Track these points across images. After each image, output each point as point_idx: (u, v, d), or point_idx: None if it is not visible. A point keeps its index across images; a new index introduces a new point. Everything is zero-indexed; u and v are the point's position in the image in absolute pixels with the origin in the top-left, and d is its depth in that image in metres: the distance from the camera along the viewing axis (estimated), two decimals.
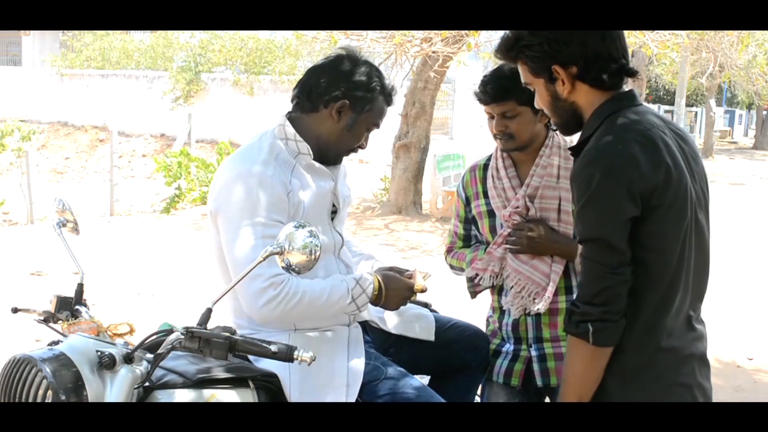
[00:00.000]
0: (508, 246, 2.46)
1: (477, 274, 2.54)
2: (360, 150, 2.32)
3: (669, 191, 1.66)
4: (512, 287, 2.48)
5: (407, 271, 2.35)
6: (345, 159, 2.37)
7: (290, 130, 2.22)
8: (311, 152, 2.22)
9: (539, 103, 1.87)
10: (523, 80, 1.88)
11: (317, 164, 2.23)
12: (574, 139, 1.92)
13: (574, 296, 2.48)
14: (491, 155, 2.62)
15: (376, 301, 2.23)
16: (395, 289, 2.25)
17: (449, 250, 2.72)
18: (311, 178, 2.21)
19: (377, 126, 2.30)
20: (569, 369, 1.75)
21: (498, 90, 2.43)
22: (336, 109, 2.20)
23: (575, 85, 1.78)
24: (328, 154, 2.26)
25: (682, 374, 1.75)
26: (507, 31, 1.86)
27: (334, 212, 2.30)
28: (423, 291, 2.29)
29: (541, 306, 2.43)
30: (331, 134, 2.23)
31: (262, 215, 2.06)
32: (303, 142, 2.21)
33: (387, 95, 2.29)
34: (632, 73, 1.81)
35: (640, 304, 1.69)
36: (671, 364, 1.74)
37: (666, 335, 1.72)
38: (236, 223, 2.07)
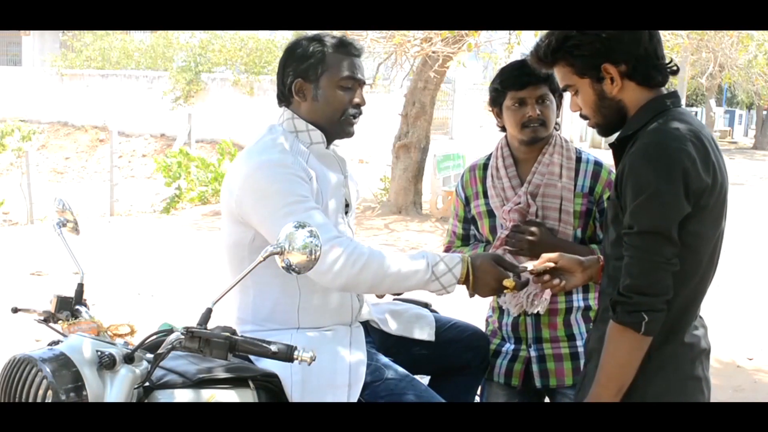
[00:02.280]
0: (507, 248, 2.45)
1: None
2: (360, 108, 2.24)
3: (714, 193, 1.72)
4: None
5: (519, 266, 2.15)
6: (348, 156, 2.37)
7: (300, 122, 2.22)
8: (324, 140, 2.23)
9: (581, 104, 1.87)
10: (562, 83, 1.89)
11: (331, 153, 2.24)
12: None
13: (573, 297, 2.50)
14: (491, 155, 2.62)
15: (465, 284, 2.11)
16: (483, 278, 2.10)
17: (447, 249, 2.71)
18: (326, 170, 2.21)
19: (352, 79, 2.21)
20: (612, 359, 1.76)
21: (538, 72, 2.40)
22: (296, 91, 2.22)
23: (624, 83, 1.81)
24: (328, 131, 2.24)
25: (695, 368, 1.82)
26: (546, 34, 1.86)
27: (347, 206, 2.31)
28: (512, 289, 2.12)
29: (540, 308, 2.43)
30: (311, 114, 2.22)
31: (297, 194, 2.05)
32: (315, 131, 2.22)
33: (338, 46, 2.20)
34: (676, 71, 1.86)
35: (672, 300, 1.73)
36: (689, 358, 1.81)
37: (689, 331, 1.80)
38: (275, 207, 2.03)
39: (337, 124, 2.24)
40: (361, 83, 2.25)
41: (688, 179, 1.67)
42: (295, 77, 2.21)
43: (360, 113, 2.26)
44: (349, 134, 2.28)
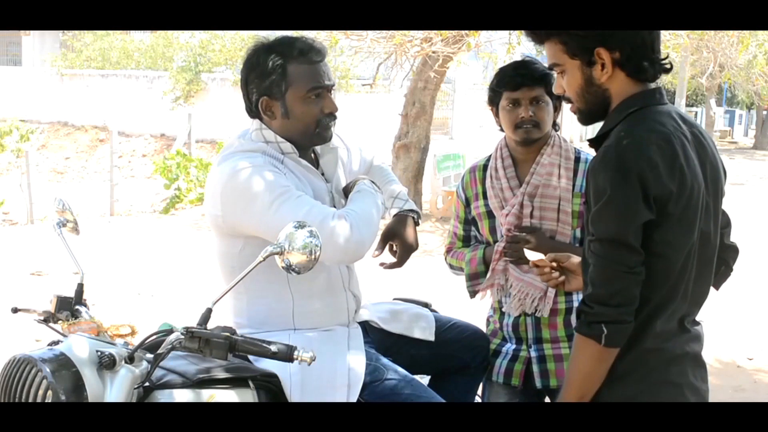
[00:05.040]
0: (507, 259, 2.46)
1: (476, 291, 2.54)
2: (331, 115, 2.16)
3: (681, 200, 1.65)
4: (515, 294, 2.48)
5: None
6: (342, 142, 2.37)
7: (269, 132, 2.16)
8: (296, 150, 2.18)
9: (566, 86, 1.80)
10: (551, 61, 1.81)
11: (304, 161, 2.19)
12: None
13: (573, 297, 2.49)
14: (491, 155, 2.62)
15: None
16: None
17: (449, 251, 2.71)
18: (303, 172, 2.18)
19: (319, 88, 2.12)
20: (575, 368, 1.72)
21: (535, 72, 2.39)
22: (264, 109, 2.15)
23: (614, 72, 1.74)
24: (303, 145, 2.20)
25: (671, 373, 1.74)
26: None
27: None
28: None
29: (545, 310, 2.44)
30: (282, 131, 2.16)
31: (279, 185, 2.03)
32: (286, 143, 2.16)
33: (299, 56, 2.10)
34: (668, 70, 1.79)
35: (637, 308, 1.68)
36: (658, 364, 1.73)
37: (653, 337, 1.71)
38: (264, 205, 2.01)
39: (311, 136, 2.18)
40: (329, 88, 2.17)
41: (647, 185, 1.60)
42: (260, 95, 2.13)
43: (334, 119, 2.19)
44: (327, 140, 2.22)
